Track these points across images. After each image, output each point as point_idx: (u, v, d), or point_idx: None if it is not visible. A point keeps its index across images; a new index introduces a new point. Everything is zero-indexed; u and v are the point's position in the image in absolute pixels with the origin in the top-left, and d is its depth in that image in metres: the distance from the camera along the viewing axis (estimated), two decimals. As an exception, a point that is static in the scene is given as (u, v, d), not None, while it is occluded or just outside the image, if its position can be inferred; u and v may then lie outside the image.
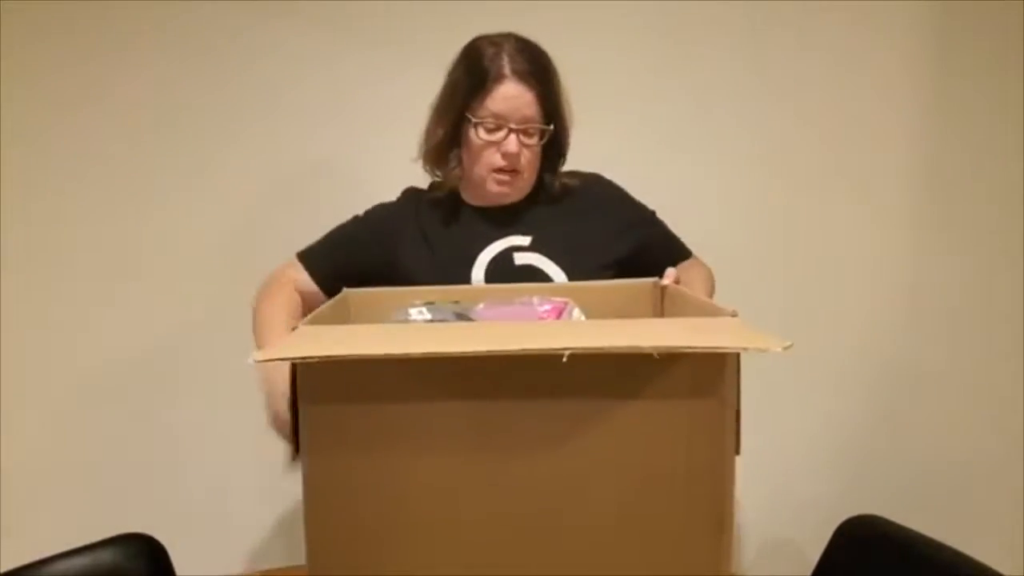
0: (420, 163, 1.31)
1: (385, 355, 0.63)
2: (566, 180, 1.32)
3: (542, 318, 0.97)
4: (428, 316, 1.00)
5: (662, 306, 1.13)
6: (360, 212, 1.34)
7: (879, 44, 1.79)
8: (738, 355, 0.69)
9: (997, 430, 1.77)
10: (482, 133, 1.22)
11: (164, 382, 1.75)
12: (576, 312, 1.00)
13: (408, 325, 0.96)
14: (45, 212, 1.70)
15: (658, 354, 0.64)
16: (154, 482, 1.75)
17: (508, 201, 1.28)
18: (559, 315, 0.97)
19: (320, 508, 0.70)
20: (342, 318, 1.06)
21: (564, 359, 0.60)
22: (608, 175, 1.36)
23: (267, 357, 0.62)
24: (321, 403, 0.69)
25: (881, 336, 1.83)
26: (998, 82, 1.73)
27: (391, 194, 1.37)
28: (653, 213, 1.35)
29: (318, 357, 0.63)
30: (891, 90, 1.80)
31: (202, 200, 1.75)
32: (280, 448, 1.03)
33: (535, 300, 1.00)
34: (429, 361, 0.65)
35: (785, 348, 0.61)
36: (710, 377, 0.68)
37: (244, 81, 1.73)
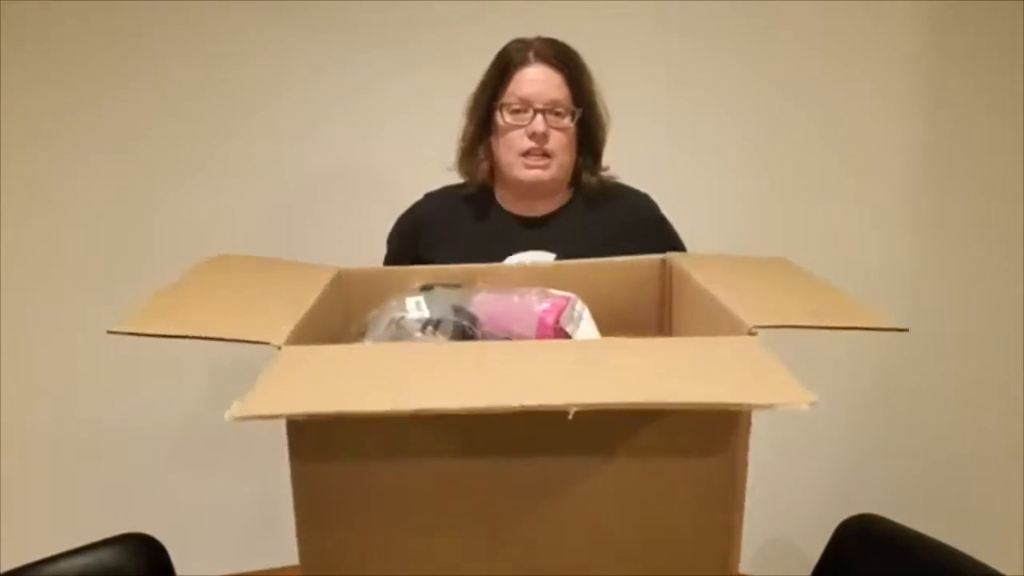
0: (456, 170, 1.29)
1: (375, 412, 0.58)
2: (608, 182, 1.28)
3: (542, 319, 0.95)
4: (426, 313, 0.97)
5: (671, 293, 1.06)
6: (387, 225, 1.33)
7: (879, 44, 1.79)
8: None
9: (997, 430, 1.77)
10: (507, 117, 1.20)
11: (164, 382, 1.75)
12: (579, 308, 0.97)
13: (401, 356, 0.81)
14: (46, 212, 1.70)
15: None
16: (154, 482, 1.75)
17: (540, 191, 1.24)
18: (559, 314, 0.95)
19: (315, 568, 0.66)
20: (340, 303, 1.02)
21: (570, 416, 0.55)
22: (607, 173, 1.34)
23: (246, 414, 0.57)
24: (313, 461, 0.65)
25: (881, 336, 1.83)
26: (998, 82, 1.73)
27: (401, 193, 1.35)
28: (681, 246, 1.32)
29: (305, 414, 0.58)
30: (891, 90, 1.80)
31: (203, 201, 1.75)
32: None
33: (535, 297, 0.97)
34: (422, 416, 0.59)
35: (809, 404, 0.55)
36: (721, 432, 0.63)
37: (251, 82, 1.74)
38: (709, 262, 1.02)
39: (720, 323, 0.81)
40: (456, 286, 1.00)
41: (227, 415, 0.56)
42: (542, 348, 0.79)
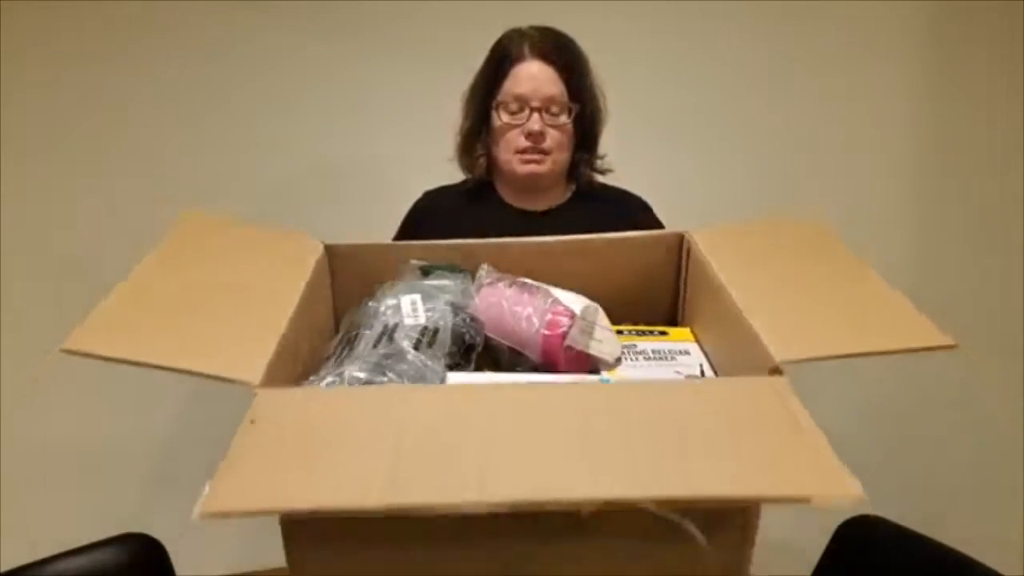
0: (455, 161, 1.30)
1: (370, 509, 0.52)
2: (606, 186, 1.29)
3: (546, 342, 0.86)
4: (422, 319, 0.86)
5: (687, 277, 1.00)
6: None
7: (880, 43, 1.79)
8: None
9: (997, 430, 1.77)
10: (504, 116, 1.20)
11: (164, 380, 1.75)
12: (588, 318, 0.88)
13: (390, 418, 0.67)
14: (47, 212, 1.70)
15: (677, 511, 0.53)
16: (154, 482, 1.75)
17: (539, 185, 1.25)
18: (563, 337, 0.86)
19: None
20: (326, 290, 0.96)
21: (583, 514, 0.52)
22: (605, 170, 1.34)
23: (216, 509, 0.53)
24: (310, 549, 0.62)
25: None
26: (998, 82, 1.73)
27: (410, 194, 1.36)
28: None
29: (280, 511, 0.55)
30: (893, 89, 1.80)
31: (204, 200, 1.75)
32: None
33: (538, 311, 0.88)
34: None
35: (858, 500, 0.50)
36: (735, 514, 0.61)
37: (257, 84, 1.74)
38: (729, 243, 0.93)
39: (738, 342, 0.75)
40: (458, 270, 0.95)
41: (195, 511, 0.52)
42: (546, 408, 0.66)
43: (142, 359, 0.66)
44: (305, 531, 0.61)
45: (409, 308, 0.87)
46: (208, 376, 0.64)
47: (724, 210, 1.79)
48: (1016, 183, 1.74)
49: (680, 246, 1.00)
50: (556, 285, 0.95)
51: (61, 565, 1.19)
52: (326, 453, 0.59)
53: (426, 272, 0.95)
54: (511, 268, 0.98)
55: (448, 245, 1.00)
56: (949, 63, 1.77)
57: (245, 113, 1.74)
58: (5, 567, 1.19)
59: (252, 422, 0.62)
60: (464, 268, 0.97)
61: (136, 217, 1.74)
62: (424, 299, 0.88)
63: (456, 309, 0.89)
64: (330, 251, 0.98)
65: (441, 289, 0.91)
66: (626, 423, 0.61)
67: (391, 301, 0.89)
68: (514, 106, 1.19)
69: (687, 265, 0.99)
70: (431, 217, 1.29)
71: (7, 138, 1.65)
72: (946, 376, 1.81)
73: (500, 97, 1.20)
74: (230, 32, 1.70)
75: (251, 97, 1.74)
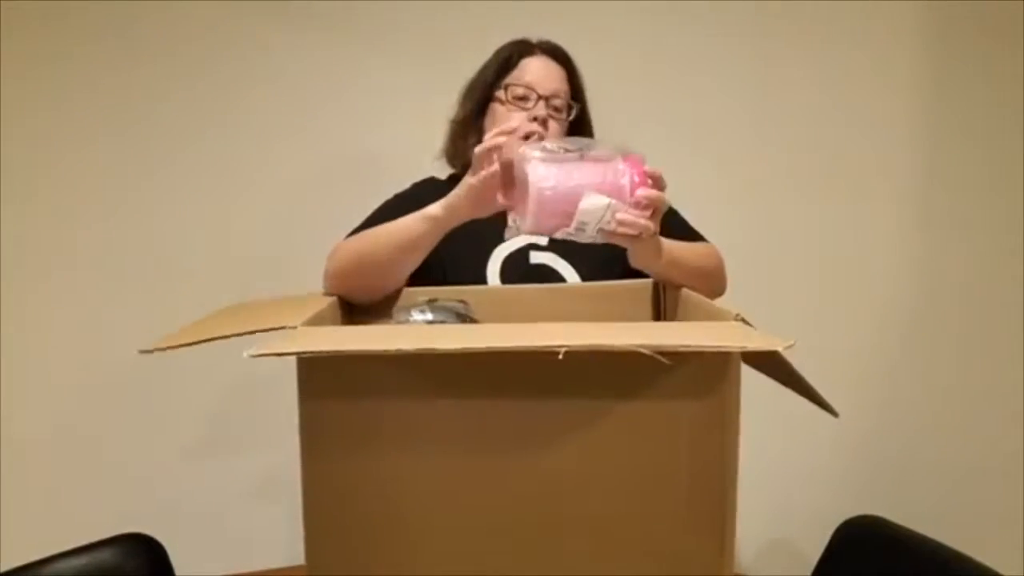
0: (443, 157, 1.32)
1: (382, 351, 0.63)
2: None
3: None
4: (429, 316, 1.00)
5: (664, 307, 1.13)
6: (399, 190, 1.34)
7: (880, 44, 1.79)
8: (740, 355, 0.68)
9: (997, 431, 1.77)
10: (510, 100, 1.23)
11: (165, 381, 1.75)
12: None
13: (409, 326, 0.96)
14: (48, 211, 1.70)
15: (659, 354, 0.62)
16: (154, 482, 1.75)
17: None
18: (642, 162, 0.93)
19: (319, 506, 0.70)
20: (343, 319, 1.06)
21: (560, 356, 0.59)
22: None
23: (264, 352, 0.62)
24: (320, 399, 0.69)
25: (883, 336, 1.83)
26: (999, 82, 1.73)
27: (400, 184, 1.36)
28: (674, 211, 1.32)
29: (315, 352, 0.63)
30: (893, 88, 1.80)
31: (206, 199, 1.75)
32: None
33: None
34: (426, 358, 0.65)
35: (787, 347, 0.61)
36: (712, 377, 0.68)
37: (256, 80, 1.75)
38: None
39: (709, 314, 0.89)
40: (461, 302, 1.04)
41: (245, 353, 0.60)
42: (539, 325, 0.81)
43: (206, 336, 0.79)
44: (317, 383, 0.69)
45: (417, 314, 1.00)
46: (255, 331, 0.76)
47: (725, 214, 1.80)
48: (1018, 183, 1.74)
49: (656, 288, 1.15)
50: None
51: (61, 565, 1.19)
52: (351, 335, 0.75)
53: (432, 301, 1.06)
54: (496, 311, 1.06)
55: (451, 290, 1.10)
56: (952, 61, 1.77)
57: (252, 110, 1.75)
58: (5, 567, 1.19)
59: (295, 328, 0.76)
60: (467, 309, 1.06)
61: (138, 214, 1.74)
62: (432, 311, 1.01)
63: (460, 316, 1.00)
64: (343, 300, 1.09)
65: (447, 308, 1.03)
66: (602, 327, 0.74)
67: (402, 317, 1.03)
68: (521, 91, 1.22)
69: (664, 297, 1.12)
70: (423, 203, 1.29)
71: (7, 135, 1.65)
72: (948, 377, 1.81)
73: (509, 80, 1.23)
74: (246, 31, 1.72)
75: (259, 96, 1.75)
